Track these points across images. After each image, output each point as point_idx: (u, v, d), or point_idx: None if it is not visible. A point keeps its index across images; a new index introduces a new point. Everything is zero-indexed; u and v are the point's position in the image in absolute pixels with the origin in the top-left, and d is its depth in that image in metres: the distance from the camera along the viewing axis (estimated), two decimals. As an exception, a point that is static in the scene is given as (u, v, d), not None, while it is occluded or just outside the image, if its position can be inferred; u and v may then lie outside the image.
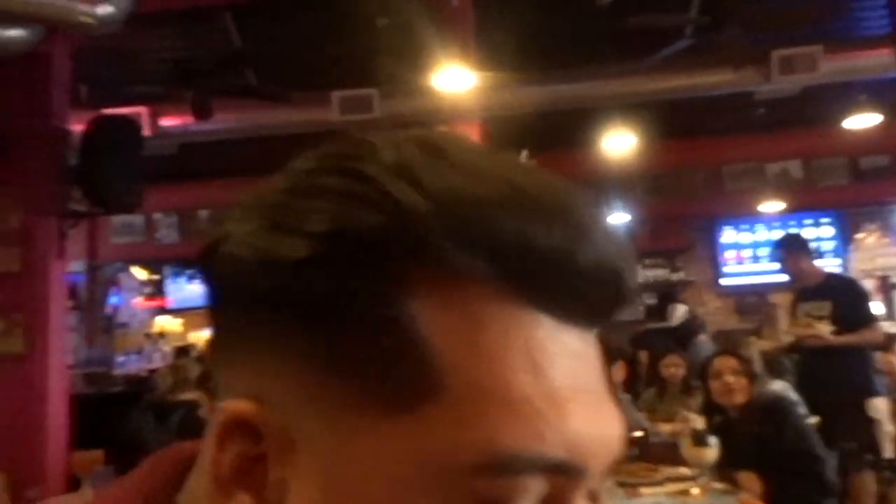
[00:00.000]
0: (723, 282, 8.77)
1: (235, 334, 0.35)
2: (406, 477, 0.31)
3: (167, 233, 8.44)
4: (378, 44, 4.83)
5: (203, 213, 8.37)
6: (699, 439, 2.57)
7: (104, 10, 4.07)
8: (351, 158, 0.34)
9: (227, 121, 5.65)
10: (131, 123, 4.84)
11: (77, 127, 4.61)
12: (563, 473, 0.33)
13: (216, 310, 0.37)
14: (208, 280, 0.37)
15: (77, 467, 3.14)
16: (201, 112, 5.07)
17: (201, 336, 8.32)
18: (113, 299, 8.51)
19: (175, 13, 4.72)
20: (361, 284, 0.32)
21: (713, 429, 2.71)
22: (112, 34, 4.34)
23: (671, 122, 6.45)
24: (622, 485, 2.53)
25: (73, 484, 4.10)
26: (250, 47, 5.05)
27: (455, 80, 4.54)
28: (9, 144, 4.29)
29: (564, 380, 0.33)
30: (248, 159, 7.25)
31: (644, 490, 2.55)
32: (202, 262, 0.37)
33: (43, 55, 4.38)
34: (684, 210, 8.40)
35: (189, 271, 8.64)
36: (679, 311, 7.11)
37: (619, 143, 6.52)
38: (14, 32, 4.11)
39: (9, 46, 4.13)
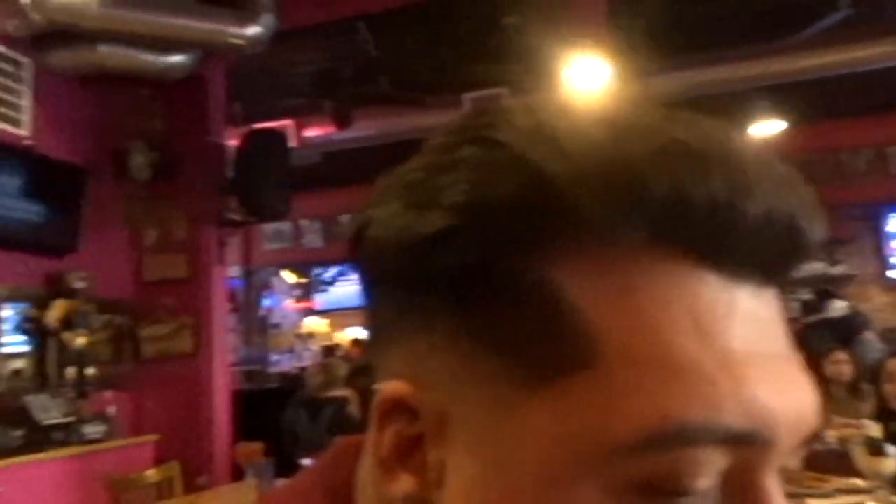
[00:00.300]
0: (891, 274, 7.98)
1: (387, 317, 0.35)
2: (560, 452, 0.29)
3: (313, 238, 8.89)
4: (507, 42, 4.82)
5: (345, 218, 8.75)
6: (876, 448, 2.33)
7: (253, 30, 4.36)
8: (484, 127, 0.33)
9: (366, 128, 5.87)
10: (279, 136, 5.14)
11: (231, 142, 4.98)
12: (747, 445, 0.29)
13: (367, 295, 0.37)
14: (358, 267, 0.37)
15: (240, 458, 3.36)
16: (342, 121, 5.30)
17: (346, 336, 8.69)
18: (266, 302, 9.09)
19: (315, 28, 4.96)
20: (504, 254, 0.30)
21: (890, 437, 2.46)
22: (259, 53, 4.64)
23: (825, 102, 5.96)
24: (786, 495, 2.34)
25: (236, 473, 4.41)
26: (385, 55, 5.21)
27: (588, 72, 4.43)
28: (175, 162, 4.69)
29: (738, 343, 0.30)
30: (387, 164, 7.51)
31: (811, 502, 2.35)
32: (351, 250, 0.37)
33: (201, 78, 4.76)
34: (844, 197, 7.70)
35: (333, 274, 9.07)
36: (837, 306, 6.54)
37: (767, 127, 6.11)
38: (175, 58, 4.49)
39: (171, 72, 4.53)
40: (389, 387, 0.33)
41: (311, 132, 6.05)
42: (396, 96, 5.34)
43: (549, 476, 0.30)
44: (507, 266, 0.31)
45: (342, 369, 4.31)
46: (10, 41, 4.06)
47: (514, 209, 0.30)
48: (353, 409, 3.09)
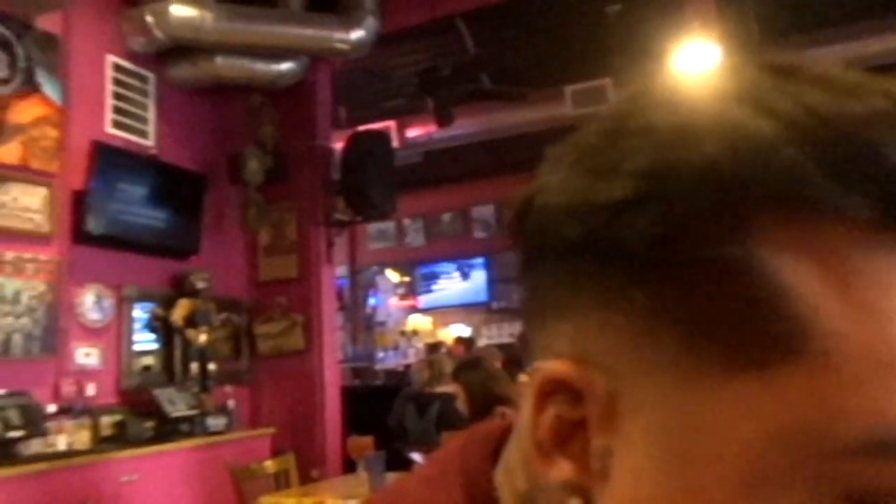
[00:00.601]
0: None
1: (550, 292, 0.32)
2: (769, 450, 0.26)
3: (415, 237, 9.03)
4: (609, 31, 4.70)
5: (446, 217, 8.83)
6: None
7: (357, 34, 4.47)
8: (671, 91, 0.30)
9: (466, 126, 5.90)
10: (383, 137, 5.24)
11: (337, 145, 5.12)
12: None
13: (527, 270, 0.34)
14: (520, 239, 0.34)
15: (352, 451, 3.45)
16: (443, 119, 5.34)
17: (449, 333, 8.77)
18: (371, 300, 9.31)
19: (415, 29, 5.02)
20: (698, 225, 0.27)
21: None
22: (362, 56, 4.75)
23: None
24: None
25: (348, 466, 4.53)
26: (484, 52, 5.21)
27: (697, 57, 4.25)
28: (286, 165, 4.88)
29: None
30: (488, 162, 7.55)
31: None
32: (514, 221, 0.35)
33: (308, 83, 4.93)
34: None
35: (435, 272, 9.17)
36: None
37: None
38: (285, 66, 4.68)
39: (281, 79, 4.72)
40: (551, 366, 0.31)
41: (412, 132, 6.15)
42: (497, 92, 5.32)
43: (754, 477, 0.26)
44: (701, 238, 0.27)
45: (448, 365, 4.34)
46: (135, 58, 4.35)
47: (711, 174, 0.27)
48: (460, 404, 3.10)
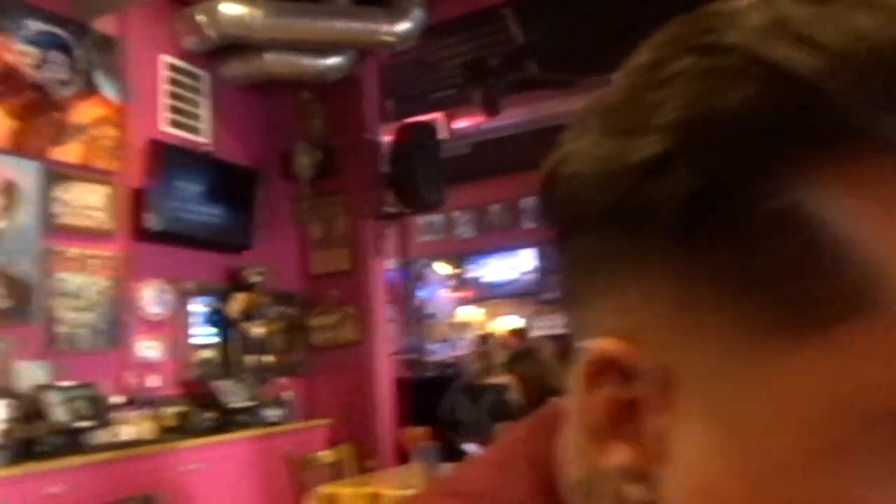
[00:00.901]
0: None
1: (588, 267, 0.30)
2: (831, 414, 0.24)
3: (465, 229, 9.02)
4: (667, 9, 4.59)
5: (495, 208, 8.80)
6: None
7: (403, 26, 4.47)
8: (702, 34, 0.27)
9: (515, 116, 5.85)
10: (431, 129, 5.24)
11: (386, 137, 5.15)
12: None
13: (562, 246, 0.32)
14: (550, 211, 0.32)
15: (407, 442, 3.47)
16: (490, 110, 5.31)
17: (500, 325, 8.74)
18: (421, 293, 9.35)
19: (461, 19, 5.00)
20: (739, 176, 0.25)
21: None
22: (409, 48, 4.75)
23: None
24: None
25: (402, 457, 4.56)
26: (532, 40, 5.15)
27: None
28: (336, 159, 4.93)
29: None
30: (537, 151, 7.47)
31: None
32: (542, 192, 0.32)
33: (356, 77, 4.96)
34: None
35: (485, 263, 9.15)
36: None
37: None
38: (332, 60, 4.71)
39: (329, 73, 4.76)
40: (598, 345, 0.29)
41: (460, 123, 6.13)
42: (545, 80, 5.26)
43: (825, 443, 0.25)
44: (744, 190, 0.25)
45: (500, 356, 4.33)
46: (189, 57, 4.45)
47: (751, 119, 0.25)
48: (514, 395, 3.08)
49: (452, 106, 6.12)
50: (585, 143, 0.29)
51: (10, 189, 3.43)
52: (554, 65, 5.48)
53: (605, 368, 0.28)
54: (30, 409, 3.17)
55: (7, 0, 3.50)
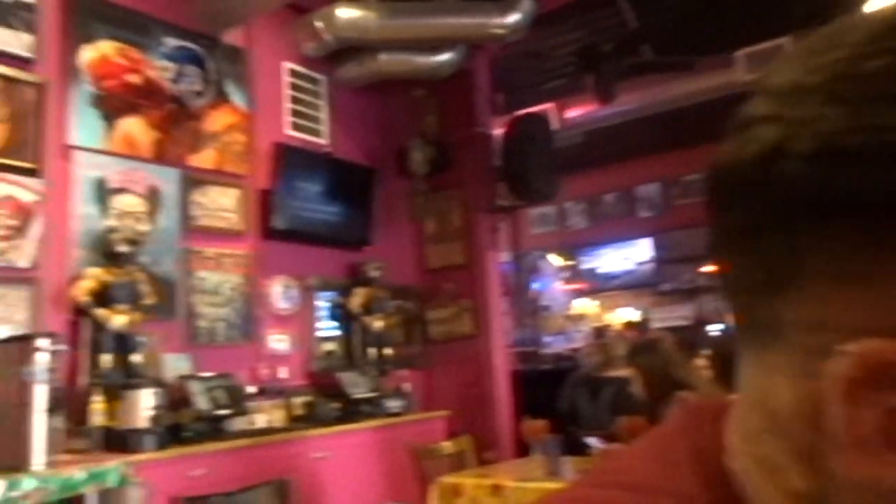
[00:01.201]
0: None
1: (822, 255, 0.27)
2: None
3: (578, 220, 8.89)
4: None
5: (609, 198, 8.60)
6: None
7: (513, 18, 4.45)
8: None
9: (628, 102, 5.69)
10: (542, 120, 5.20)
11: (497, 131, 5.15)
12: None
13: (773, 226, 0.29)
14: (755, 193, 0.29)
15: (527, 434, 3.47)
16: (604, 97, 5.19)
17: (617, 317, 8.55)
18: (535, 285, 9.29)
19: (571, 6, 4.91)
20: None
21: None
22: (519, 39, 4.72)
23: None
24: None
25: (520, 449, 4.57)
26: (646, 23, 4.99)
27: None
28: (449, 154, 4.99)
29: None
30: (652, 138, 7.25)
31: None
32: (753, 171, 0.29)
33: (467, 72, 5.00)
34: None
35: (599, 254, 8.97)
36: None
37: None
38: (444, 57, 4.76)
39: (440, 70, 4.81)
40: (868, 347, 0.26)
41: (572, 113, 6.04)
42: (661, 63, 5.08)
43: None
44: None
45: (621, 349, 4.24)
46: (308, 62, 4.64)
47: None
48: (636, 388, 3.01)
49: (564, 95, 6.03)
50: (814, 114, 0.27)
51: (154, 195, 3.72)
52: (669, 48, 5.28)
53: (878, 372, 0.26)
54: (175, 398, 3.43)
55: (147, 20, 3.78)
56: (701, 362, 4.06)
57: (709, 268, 7.65)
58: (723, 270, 0.32)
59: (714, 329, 7.19)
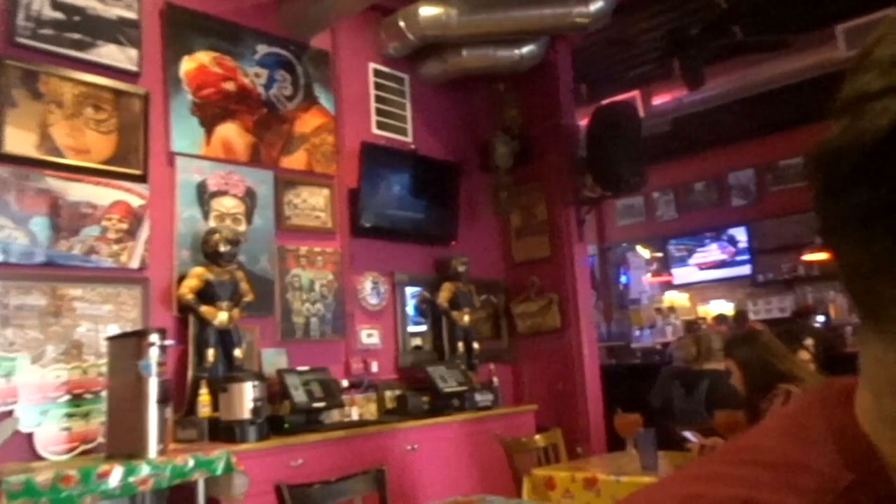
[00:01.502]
0: None
1: None
2: None
3: (666, 210, 8.65)
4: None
5: (699, 186, 8.33)
6: None
7: (595, 6, 4.38)
8: None
9: (718, 86, 5.50)
10: (629, 108, 5.08)
11: (581, 121, 5.08)
12: None
13: (880, 214, 0.28)
14: (870, 179, 0.28)
15: (620, 428, 3.41)
16: (693, 81, 5.03)
17: (709, 310, 8.28)
18: (623, 278, 9.11)
19: (656, -9, 4.79)
20: None
21: None
22: (601, 28, 4.64)
23: None
24: None
25: (611, 444, 4.50)
26: (736, 2, 4.80)
27: None
28: (533, 147, 4.97)
29: None
30: (744, 122, 6.97)
31: None
32: (873, 152, 0.29)
33: (549, 63, 4.95)
34: None
35: (690, 245, 8.70)
36: None
37: None
38: (525, 49, 4.74)
39: (522, 62, 4.79)
40: None
41: (659, 100, 5.88)
42: (754, 43, 4.87)
43: None
44: None
45: (716, 342, 4.11)
46: (392, 62, 4.72)
47: None
48: (735, 381, 2.91)
49: (650, 82, 5.89)
50: None
51: (251, 196, 3.88)
52: (761, 27, 5.06)
53: None
54: (274, 391, 3.57)
55: (239, 29, 3.94)
56: (804, 354, 3.88)
57: (809, 256, 7.29)
58: (836, 257, 0.31)
59: (816, 320, 6.86)
